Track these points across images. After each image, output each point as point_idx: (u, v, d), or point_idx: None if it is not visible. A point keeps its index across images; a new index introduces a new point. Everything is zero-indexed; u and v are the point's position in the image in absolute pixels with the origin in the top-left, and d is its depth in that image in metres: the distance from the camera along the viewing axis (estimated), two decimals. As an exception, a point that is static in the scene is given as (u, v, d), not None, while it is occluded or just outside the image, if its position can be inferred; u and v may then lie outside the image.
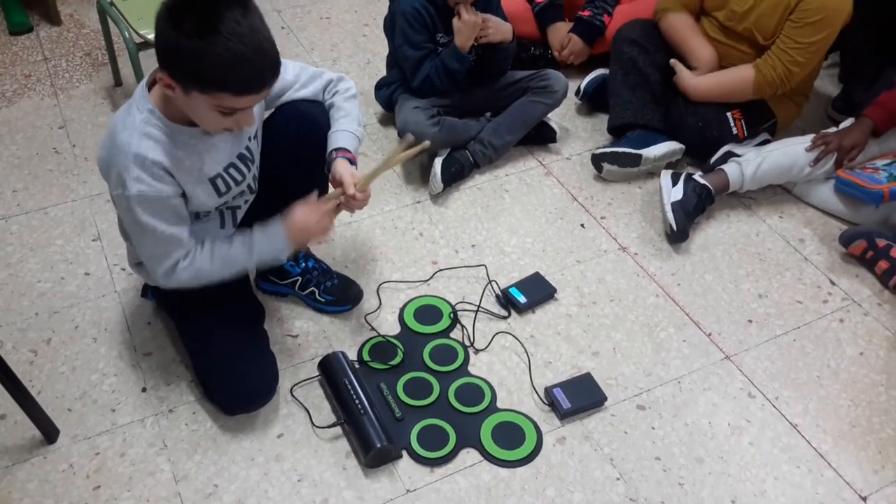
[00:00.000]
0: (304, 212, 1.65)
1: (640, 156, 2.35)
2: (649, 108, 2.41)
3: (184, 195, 1.55)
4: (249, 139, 1.66)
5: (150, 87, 1.51)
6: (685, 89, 2.39)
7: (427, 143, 1.74)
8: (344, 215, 2.22)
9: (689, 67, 2.39)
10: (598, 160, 2.37)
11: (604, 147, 2.39)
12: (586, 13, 2.67)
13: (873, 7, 2.47)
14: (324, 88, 1.77)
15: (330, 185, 1.72)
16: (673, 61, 2.41)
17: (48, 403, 1.71)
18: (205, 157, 1.56)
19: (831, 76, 2.84)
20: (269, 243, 1.64)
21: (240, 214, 1.73)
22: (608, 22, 2.67)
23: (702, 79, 2.37)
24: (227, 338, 1.71)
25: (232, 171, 1.62)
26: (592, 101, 2.65)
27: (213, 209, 1.64)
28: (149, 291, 1.88)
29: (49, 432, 1.66)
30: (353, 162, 1.70)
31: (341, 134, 1.72)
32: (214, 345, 1.70)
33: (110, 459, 1.65)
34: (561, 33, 2.70)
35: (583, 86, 2.65)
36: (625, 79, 2.44)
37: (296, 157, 1.73)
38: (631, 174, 2.39)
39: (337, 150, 1.70)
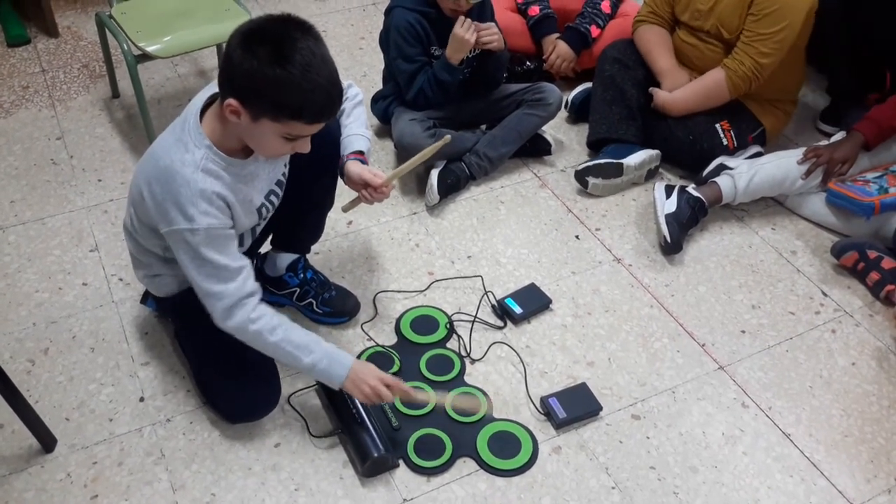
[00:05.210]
0: (372, 372, 1.64)
1: (621, 164, 2.37)
2: (624, 123, 2.43)
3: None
4: (284, 164, 1.71)
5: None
6: (664, 107, 2.42)
7: (448, 137, 1.80)
8: (342, 226, 2.25)
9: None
10: (582, 175, 2.39)
11: (585, 163, 2.41)
12: (574, 22, 2.73)
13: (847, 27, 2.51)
14: None
15: (345, 185, 1.78)
16: (651, 89, 2.44)
17: (46, 413, 1.71)
18: (251, 188, 1.59)
19: (820, 90, 2.87)
20: (330, 368, 1.61)
21: (258, 230, 1.76)
22: (596, 34, 2.71)
23: (677, 93, 2.40)
24: (232, 344, 1.71)
25: (272, 197, 1.68)
26: (579, 114, 2.68)
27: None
28: (148, 298, 1.89)
29: (46, 441, 1.66)
30: (364, 164, 1.75)
31: (354, 138, 1.77)
32: (219, 351, 1.70)
33: (108, 469, 1.65)
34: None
35: (570, 98, 2.68)
36: (603, 95, 2.47)
37: (308, 162, 1.75)
38: (616, 186, 2.41)
39: (351, 153, 1.75)
